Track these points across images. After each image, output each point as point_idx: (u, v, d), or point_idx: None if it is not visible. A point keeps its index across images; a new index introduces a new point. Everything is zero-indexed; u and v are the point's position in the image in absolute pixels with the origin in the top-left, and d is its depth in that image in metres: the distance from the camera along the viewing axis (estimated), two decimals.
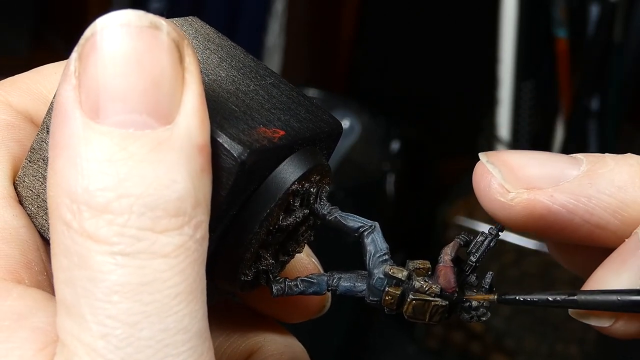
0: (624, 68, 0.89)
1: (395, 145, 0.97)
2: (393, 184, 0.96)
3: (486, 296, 0.35)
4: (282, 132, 0.33)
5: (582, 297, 0.33)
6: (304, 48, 1.22)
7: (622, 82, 0.90)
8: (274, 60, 1.15)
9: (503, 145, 0.94)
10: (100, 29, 0.29)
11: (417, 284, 0.34)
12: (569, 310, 0.34)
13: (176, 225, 0.29)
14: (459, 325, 0.99)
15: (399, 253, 1.08)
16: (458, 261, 0.35)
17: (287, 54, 1.16)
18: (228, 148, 0.31)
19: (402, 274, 0.34)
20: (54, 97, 0.30)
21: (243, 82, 0.35)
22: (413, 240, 1.09)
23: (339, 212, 0.35)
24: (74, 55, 0.29)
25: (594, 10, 0.87)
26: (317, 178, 0.35)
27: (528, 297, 0.34)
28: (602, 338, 0.95)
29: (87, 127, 0.28)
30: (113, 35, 0.28)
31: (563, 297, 0.34)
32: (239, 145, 0.31)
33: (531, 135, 0.94)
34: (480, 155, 0.35)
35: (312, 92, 1.00)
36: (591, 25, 0.88)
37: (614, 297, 0.33)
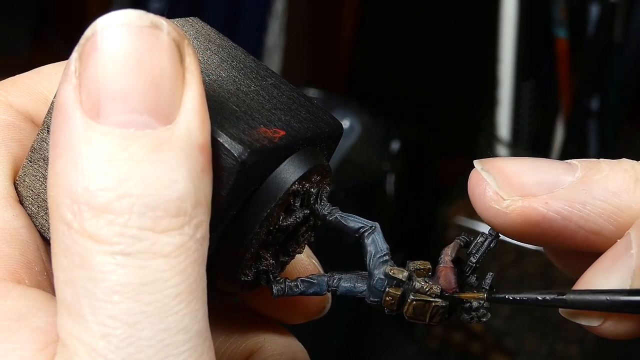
0: (624, 68, 0.89)
1: (395, 145, 0.97)
2: (393, 184, 0.96)
3: (476, 294, 0.35)
4: (282, 132, 0.33)
5: (572, 296, 0.33)
6: (304, 48, 1.22)
7: (622, 82, 0.90)
8: (274, 60, 1.15)
9: (503, 145, 0.94)
10: (101, 28, 0.29)
11: (417, 285, 0.34)
12: (560, 309, 0.34)
13: (177, 225, 0.29)
14: (459, 325, 0.99)
15: (399, 253, 1.08)
16: (458, 262, 0.35)
17: (287, 54, 1.16)
18: (228, 148, 0.31)
19: (402, 274, 0.34)
20: (54, 97, 0.30)
21: (244, 82, 0.35)
22: (413, 240, 1.09)
23: (340, 212, 0.35)
24: (74, 55, 0.29)
25: (594, 10, 0.87)
26: (318, 178, 0.35)
27: (517, 296, 0.34)
28: (602, 338, 0.95)
29: (88, 127, 0.28)
30: (113, 35, 0.28)
31: (552, 296, 0.34)
32: (240, 145, 0.31)
33: (531, 135, 0.94)
34: (475, 162, 0.35)
35: (312, 92, 1.00)
36: (591, 25, 0.88)
37: (603, 297, 0.33)
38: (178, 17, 0.36)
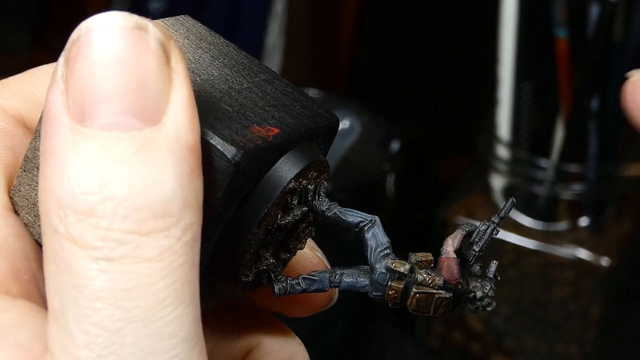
0: (624, 68, 0.89)
1: (395, 145, 0.97)
2: (393, 184, 0.96)
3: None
4: (276, 130, 0.33)
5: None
6: (304, 48, 1.22)
7: (622, 82, 0.90)
8: (274, 60, 1.15)
9: (503, 145, 0.94)
10: (85, 32, 0.29)
11: (420, 277, 0.34)
12: None
13: (162, 227, 0.28)
14: (459, 325, 0.99)
15: (398, 253, 1.08)
16: (460, 251, 0.35)
17: (287, 54, 1.16)
18: (221, 150, 0.31)
19: (404, 267, 0.34)
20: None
21: (236, 80, 0.34)
22: (413, 240, 1.09)
23: (338, 207, 0.35)
24: (61, 60, 0.29)
25: (594, 10, 0.87)
26: (315, 174, 0.34)
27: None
28: (602, 338, 0.95)
29: (74, 132, 0.28)
30: (97, 38, 0.28)
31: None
32: (232, 147, 0.31)
33: (531, 135, 0.94)
34: (628, 74, 0.34)
35: (312, 92, 1.00)
36: (591, 25, 0.88)
37: None
38: (170, 17, 0.36)
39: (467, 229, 0.35)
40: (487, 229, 0.35)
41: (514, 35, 0.91)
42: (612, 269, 0.91)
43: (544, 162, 0.92)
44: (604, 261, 0.91)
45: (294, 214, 0.34)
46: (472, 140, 1.00)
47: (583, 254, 0.92)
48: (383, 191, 0.95)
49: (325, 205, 0.34)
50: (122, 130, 0.28)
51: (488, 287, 0.34)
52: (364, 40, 1.20)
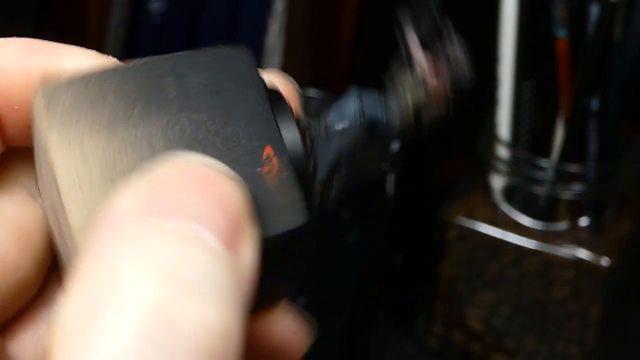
0: (624, 68, 0.89)
1: (395, 145, 0.97)
2: (393, 184, 0.96)
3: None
4: (270, 149, 0.32)
5: None
6: (304, 48, 1.22)
7: (622, 82, 0.90)
8: (274, 60, 1.15)
9: (503, 145, 0.94)
10: (169, 159, 0.27)
11: (428, 105, 0.36)
12: None
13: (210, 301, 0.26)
14: (459, 325, 1.00)
15: (398, 254, 1.08)
16: (425, 44, 0.36)
17: (287, 54, 1.16)
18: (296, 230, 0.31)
19: (409, 111, 0.36)
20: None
21: (178, 135, 0.31)
22: (413, 240, 1.09)
23: (326, 120, 0.35)
24: (139, 181, 0.27)
25: (594, 10, 0.87)
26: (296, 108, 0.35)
27: None
28: (602, 338, 0.95)
29: (138, 219, 0.26)
30: (184, 161, 0.27)
31: None
32: (302, 214, 0.32)
33: (531, 135, 0.94)
34: None
35: (312, 92, 1.00)
36: (591, 25, 0.88)
37: None
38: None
39: (415, 33, 0.36)
40: (432, 24, 0.36)
41: (514, 35, 0.91)
42: (612, 269, 0.92)
43: (544, 162, 0.92)
44: (604, 261, 0.91)
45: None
46: (472, 140, 1.00)
47: (583, 254, 0.92)
48: (383, 191, 0.95)
49: (322, 128, 0.35)
50: (194, 234, 0.26)
51: (460, 54, 0.35)
52: (364, 40, 1.20)
